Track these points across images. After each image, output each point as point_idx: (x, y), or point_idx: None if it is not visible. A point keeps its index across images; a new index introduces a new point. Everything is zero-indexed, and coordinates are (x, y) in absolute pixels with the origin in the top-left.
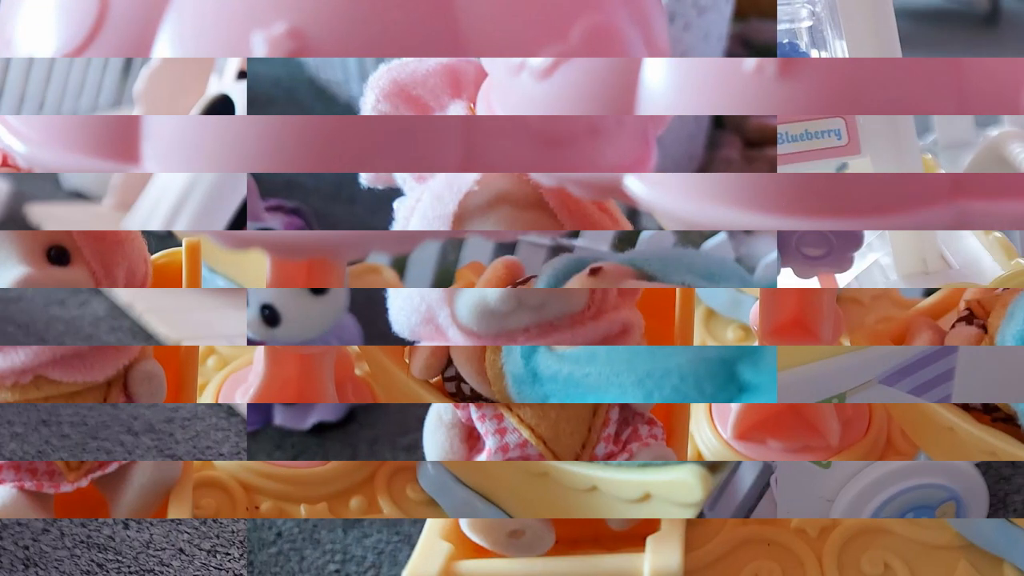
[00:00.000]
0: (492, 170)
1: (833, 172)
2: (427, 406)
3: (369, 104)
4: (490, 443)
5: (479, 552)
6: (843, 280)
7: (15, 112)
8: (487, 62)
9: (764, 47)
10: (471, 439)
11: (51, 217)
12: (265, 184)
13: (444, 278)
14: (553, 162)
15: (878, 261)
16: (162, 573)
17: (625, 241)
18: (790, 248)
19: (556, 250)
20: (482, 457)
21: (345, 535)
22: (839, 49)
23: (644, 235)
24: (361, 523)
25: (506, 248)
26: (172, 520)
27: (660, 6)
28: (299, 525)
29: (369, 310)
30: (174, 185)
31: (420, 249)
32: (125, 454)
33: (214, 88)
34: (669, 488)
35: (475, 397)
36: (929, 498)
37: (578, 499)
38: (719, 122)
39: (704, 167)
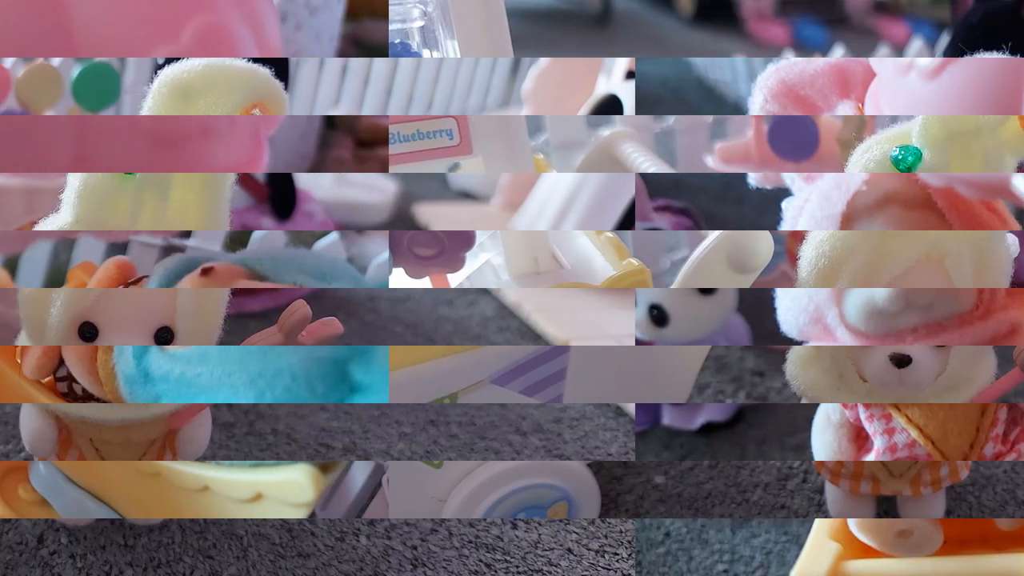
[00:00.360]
0: (102, 170)
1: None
2: (815, 407)
3: (757, 104)
4: (878, 443)
5: (867, 552)
6: (455, 280)
7: (403, 111)
8: (875, 62)
9: (376, 47)
10: (859, 439)
11: (439, 217)
12: (653, 184)
13: (56, 277)
14: (165, 162)
15: (490, 261)
16: (550, 573)
17: (237, 241)
18: (402, 248)
19: (168, 250)
20: (870, 457)
21: (733, 535)
22: (451, 49)
23: (256, 235)
24: (750, 523)
25: (118, 248)
26: (561, 520)
27: (272, 6)
28: (687, 525)
29: (757, 309)
30: (562, 185)
31: (32, 249)
32: (513, 454)
33: (602, 88)
34: (280, 488)
35: (87, 397)
36: (540, 498)
37: (190, 499)
38: (330, 122)
39: (316, 167)
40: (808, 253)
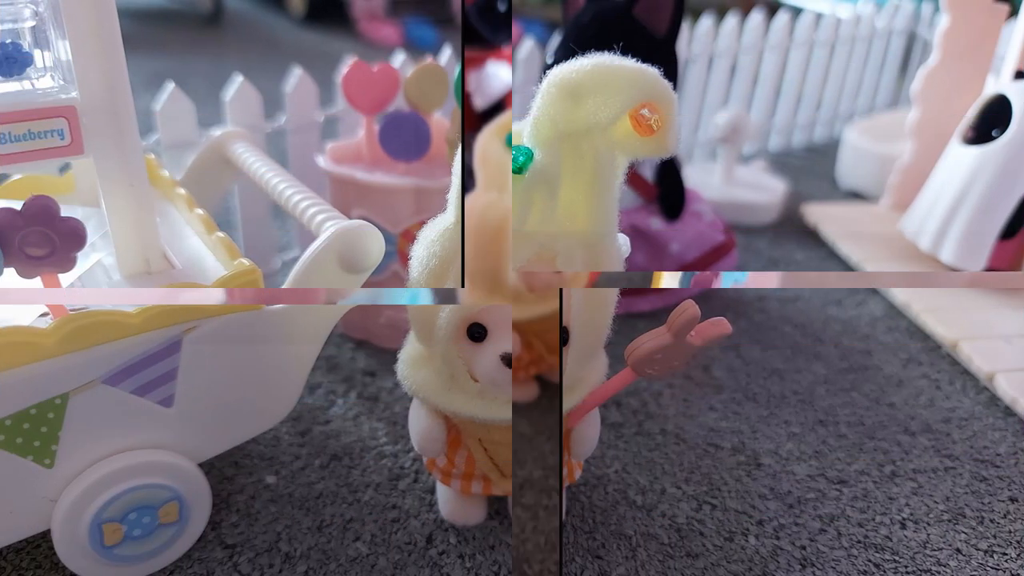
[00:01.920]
0: None
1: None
2: None
3: None
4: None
5: None
6: (66, 280)
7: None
8: None
9: None
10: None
11: (827, 217)
12: None
13: None
14: None
15: (101, 261)
16: (939, 573)
17: None
18: (13, 248)
19: None
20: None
21: None
22: (63, 50)
23: None
24: None
25: None
26: (950, 520)
27: None
28: None
29: None
30: (953, 184)
31: None
32: (902, 454)
33: (991, 88)
34: None
35: None
36: (152, 498)
37: None
38: None
39: None
40: (419, 253)
